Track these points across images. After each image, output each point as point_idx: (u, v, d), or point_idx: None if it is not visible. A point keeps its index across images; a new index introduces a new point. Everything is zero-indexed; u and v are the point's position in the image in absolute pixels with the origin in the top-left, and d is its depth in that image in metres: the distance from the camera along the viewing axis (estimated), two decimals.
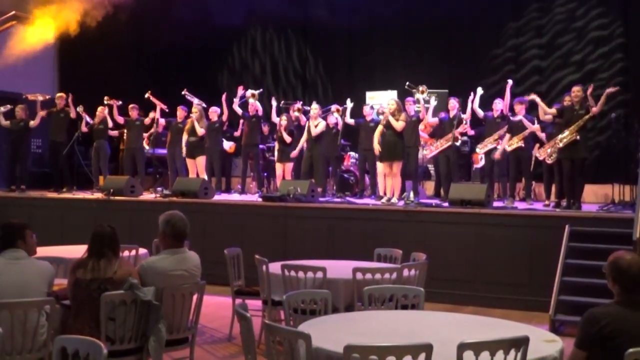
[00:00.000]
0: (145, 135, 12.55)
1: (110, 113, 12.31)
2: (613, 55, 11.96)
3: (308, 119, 11.36)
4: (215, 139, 12.01)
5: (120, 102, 12.31)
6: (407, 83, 10.59)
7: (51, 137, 12.44)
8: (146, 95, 12.06)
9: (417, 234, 8.40)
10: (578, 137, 8.47)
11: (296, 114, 11.69)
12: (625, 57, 11.90)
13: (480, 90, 10.20)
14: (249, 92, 11.89)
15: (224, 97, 11.90)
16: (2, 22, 13.77)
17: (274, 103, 11.79)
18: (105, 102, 12.24)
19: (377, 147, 9.67)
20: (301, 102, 12.19)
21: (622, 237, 7.07)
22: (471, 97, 10.19)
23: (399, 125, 9.54)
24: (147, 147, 12.56)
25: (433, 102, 10.76)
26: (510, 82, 10.21)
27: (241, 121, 12.16)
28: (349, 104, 11.09)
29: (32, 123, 12.11)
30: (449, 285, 8.09)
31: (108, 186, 10.72)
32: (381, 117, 10.21)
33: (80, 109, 12.25)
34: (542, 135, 9.83)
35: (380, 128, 9.74)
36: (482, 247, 8.17)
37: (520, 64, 12.75)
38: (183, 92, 12.16)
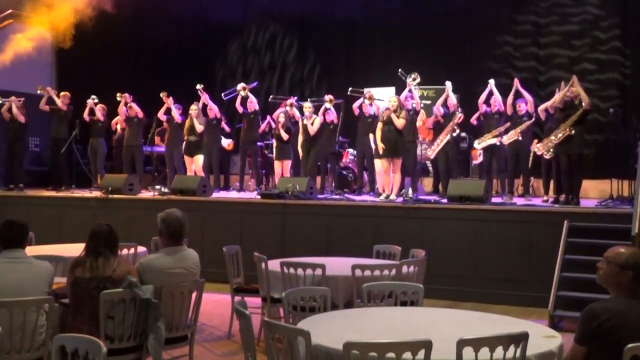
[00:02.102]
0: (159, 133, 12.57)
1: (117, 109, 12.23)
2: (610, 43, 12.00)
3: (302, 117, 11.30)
4: (213, 137, 11.97)
5: (131, 97, 12.17)
6: (400, 70, 10.54)
7: (53, 134, 12.39)
8: (161, 94, 11.78)
9: (416, 230, 8.39)
10: (573, 132, 8.47)
11: (287, 108, 11.60)
12: (623, 46, 11.94)
13: (492, 82, 10.18)
14: (240, 85, 11.82)
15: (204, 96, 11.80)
16: None
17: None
18: (118, 97, 12.13)
19: (380, 145, 9.64)
20: (295, 98, 12.11)
21: (621, 232, 7.07)
22: (487, 89, 10.17)
23: (400, 122, 9.54)
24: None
25: (416, 92, 10.75)
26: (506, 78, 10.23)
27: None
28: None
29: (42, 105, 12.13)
30: (448, 281, 8.08)
31: (107, 184, 10.70)
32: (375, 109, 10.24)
33: (92, 100, 12.23)
34: (530, 123, 9.77)
35: (380, 126, 9.72)
36: (481, 243, 8.17)
37: (519, 59, 12.75)
38: (198, 87, 11.85)
